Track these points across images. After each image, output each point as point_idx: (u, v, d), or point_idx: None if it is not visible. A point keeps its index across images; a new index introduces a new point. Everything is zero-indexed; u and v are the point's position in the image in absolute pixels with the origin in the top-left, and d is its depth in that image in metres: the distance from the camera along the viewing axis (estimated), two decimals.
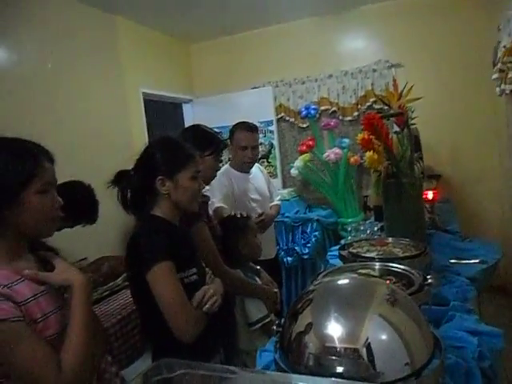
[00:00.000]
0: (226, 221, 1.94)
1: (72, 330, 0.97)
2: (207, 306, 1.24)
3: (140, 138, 3.62)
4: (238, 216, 2.01)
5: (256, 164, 2.76)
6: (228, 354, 1.54)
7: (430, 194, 2.56)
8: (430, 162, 3.69)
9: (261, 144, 4.39)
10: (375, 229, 2.49)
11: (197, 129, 1.89)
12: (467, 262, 1.98)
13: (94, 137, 3.22)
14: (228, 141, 2.53)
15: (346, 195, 3.83)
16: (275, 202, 2.80)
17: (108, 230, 3.15)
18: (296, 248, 3.64)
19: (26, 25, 2.75)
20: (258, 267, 1.99)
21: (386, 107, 2.32)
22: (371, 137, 2.18)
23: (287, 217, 3.69)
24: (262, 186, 2.69)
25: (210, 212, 1.97)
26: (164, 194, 1.33)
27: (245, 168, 2.56)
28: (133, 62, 3.74)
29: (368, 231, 2.44)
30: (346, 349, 0.84)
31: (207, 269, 1.43)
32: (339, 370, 0.80)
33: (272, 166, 4.40)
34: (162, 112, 4.94)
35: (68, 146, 2.98)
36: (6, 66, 2.64)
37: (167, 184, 1.33)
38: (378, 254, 1.67)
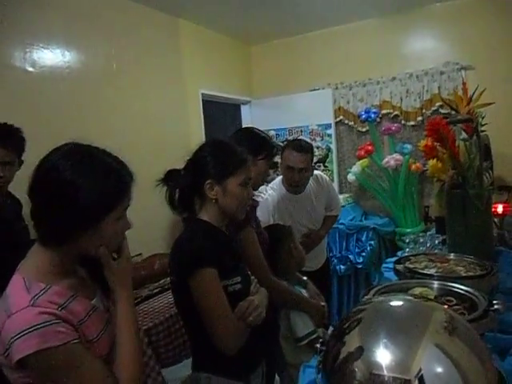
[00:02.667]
0: (269, 229, 1.87)
1: (122, 346, 0.96)
2: (251, 318, 1.19)
3: (198, 139, 3.65)
4: (280, 225, 1.94)
5: (316, 173, 2.58)
6: (271, 366, 1.49)
7: (499, 208, 2.35)
8: (502, 173, 3.41)
9: (318, 148, 4.31)
10: (436, 242, 2.33)
11: (250, 131, 1.83)
12: None
13: (154, 138, 3.30)
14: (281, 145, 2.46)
15: (406, 204, 3.64)
16: (332, 213, 2.64)
17: (162, 227, 3.23)
18: (350, 256, 3.51)
19: (93, 27, 2.89)
20: (305, 278, 1.91)
21: (453, 112, 2.17)
22: (435, 143, 2.04)
23: (342, 223, 3.58)
24: (316, 205, 2.50)
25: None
26: (212, 198, 1.30)
27: (291, 190, 2.39)
28: (193, 63, 3.81)
29: (428, 244, 2.29)
30: (395, 379, 0.77)
31: (253, 277, 1.39)
32: None
33: (329, 171, 4.29)
34: (220, 113, 5.00)
35: (128, 146, 3.08)
36: (75, 67, 2.78)
37: (215, 189, 1.30)
38: (437, 272, 1.54)
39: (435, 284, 1.36)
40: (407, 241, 2.41)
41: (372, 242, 3.50)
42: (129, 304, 0.99)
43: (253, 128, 1.86)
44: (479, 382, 0.76)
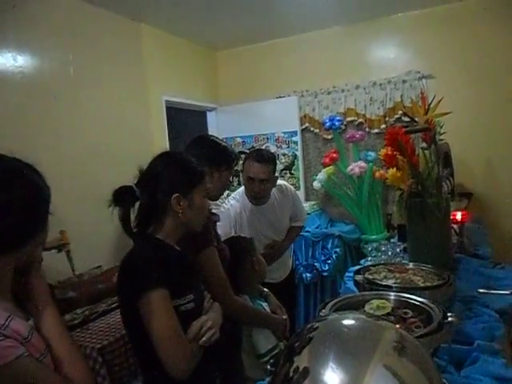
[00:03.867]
0: (230, 242, 1.82)
1: (66, 353, 0.94)
2: (204, 339, 1.14)
3: (161, 147, 3.58)
4: (241, 237, 1.90)
5: (281, 183, 2.54)
6: (228, 381, 1.43)
7: (458, 215, 2.39)
8: (462, 180, 3.49)
9: (284, 155, 4.31)
10: (398, 250, 2.34)
11: (209, 141, 1.77)
12: (497, 292, 1.80)
13: (114, 146, 3.20)
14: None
15: (371, 211, 3.67)
16: (297, 224, 2.60)
17: (122, 238, 3.11)
18: (316, 264, 3.50)
19: (49, 30, 2.77)
20: (266, 290, 1.87)
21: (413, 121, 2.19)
22: (395, 153, 2.05)
23: (307, 231, 3.56)
24: (279, 215, 2.47)
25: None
26: (178, 212, 1.24)
27: (253, 201, 2.36)
28: (156, 69, 3.73)
29: (390, 252, 2.29)
30: None
31: (205, 292, 1.33)
32: None
33: (295, 178, 4.28)
34: (185, 120, 4.93)
35: (87, 154, 2.99)
36: (28, 72, 2.65)
37: (182, 202, 1.25)
38: (395, 282, 1.53)
39: (392, 296, 1.34)
40: (370, 249, 2.41)
41: (337, 250, 3.50)
42: (56, 311, 0.98)
43: (210, 136, 1.81)
44: None
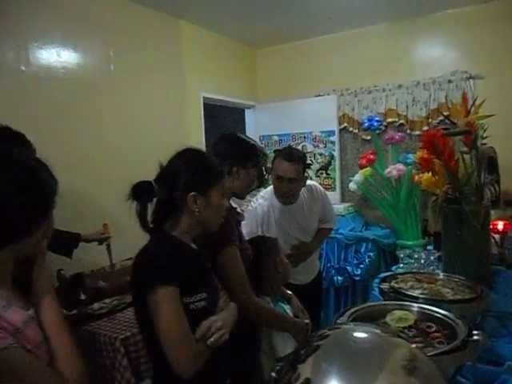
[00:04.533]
0: (254, 242, 1.78)
1: (61, 345, 0.96)
2: (212, 339, 1.12)
3: (197, 142, 3.61)
4: (265, 237, 1.87)
5: (310, 183, 2.48)
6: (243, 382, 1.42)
7: (500, 224, 2.24)
8: (509, 186, 3.28)
9: (321, 155, 4.23)
10: (432, 258, 2.22)
11: (237, 138, 1.73)
12: None
13: (151, 142, 3.25)
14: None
15: (408, 216, 3.53)
16: (325, 227, 2.52)
17: None
18: (348, 268, 3.42)
19: (90, 27, 2.85)
20: (290, 292, 1.83)
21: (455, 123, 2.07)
22: (431, 156, 1.95)
23: (341, 233, 3.48)
24: (308, 216, 2.40)
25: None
26: (194, 211, 1.23)
27: (282, 201, 2.30)
28: (195, 66, 3.76)
29: (423, 260, 2.19)
30: None
31: (223, 291, 1.32)
32: None
33: (331, 179, 4.20)
34: (223, 117, 4.95)
35: (124, 150, 3.06)
36: (71, 67, 2.75)
37: (199, 201, 1.24)
38: (422, 293, 1.46)
39: (415, 308, 1.28)
40: (402, 255, 2.31)
41: (371, 254, 3.40)
42: (56, 304, 0.99)
43: (239, 134, 1.78)
44: None
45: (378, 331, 0.93)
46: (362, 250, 3.43)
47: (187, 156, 1.29)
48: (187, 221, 1.25)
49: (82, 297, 2.16)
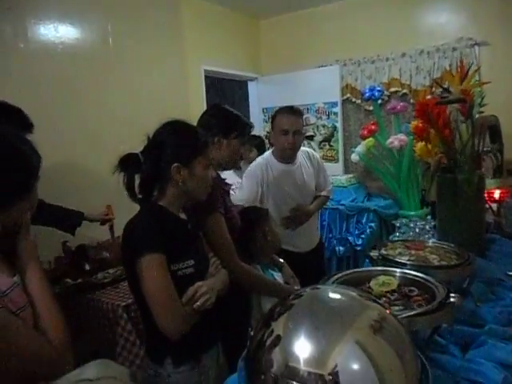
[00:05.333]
0: (245, 211, 1.84)
1: (46, 310, 0.99)
2: (198, 303, 1.17)
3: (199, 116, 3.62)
4: (256, 207, 1.91)
5: (306, 149, 2.59)
6: (234, 346, 1.48)
7: (496, 193, 2.24)
8: None
9: (324, 126, 4.21)
10: (427, 227, 2.24)
11: (222, 109, 1.77)
12: None
13: (153, 114, 3.23)
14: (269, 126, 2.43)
15: (409, 186, 3.52)
16: (322, 194, 2.57)
17: None
18: (349, 238, 3.46)
19: (89, 2, 2.84)
20: (282, 261, 1.88)
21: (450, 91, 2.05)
22: (426, 125, 1.95)
23: (342, 204, 3.51)
24: (306, 179, 2.47)
25: (233, 197, 1.87)
26: (178, 182, 1.27)
27: (285, 156, 2.37)
28: (196, 38, 3.73)
29: (417, 229, 2.21)
30: (310, 373, 0.74)
31: (214, 259, 1.37)
32: None
33: (334, 150, 4.20)
34: (226, 90, 4.93)
35: (125, 124, 3.08)
36: (69, 42, 2.76)
37: (182, 172, 1.27)
38: (409, 259, 1.49)
39: (400, 273, 1.31)
40: (398, 225, 2.34)
41: (372, 225, 3.43)
42: (41, 271, 1.02)
43: (222, 106, 1.80)
44: (396, 382, 0.74)
45: (353, 293, 0.97)
46: (364, 220, 3.47)
47: (172, 128, 1.32)
48: (173, 191, 1.29)
49: (87, 267, 2.24)
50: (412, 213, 3.47)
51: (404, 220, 2.41)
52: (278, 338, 0.79)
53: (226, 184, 1.72)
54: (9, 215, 0.96)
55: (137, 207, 1.30)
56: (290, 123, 2.27)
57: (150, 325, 1.20)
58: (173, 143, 1.28)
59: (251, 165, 2.44)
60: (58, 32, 2.66)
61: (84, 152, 2.78)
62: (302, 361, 0.74)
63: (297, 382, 0.73)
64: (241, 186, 2.42)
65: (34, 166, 0.98)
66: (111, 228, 2.49)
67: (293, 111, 2.31)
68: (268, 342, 0.80)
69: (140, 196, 1.29)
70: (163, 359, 1.25)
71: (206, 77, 3.92)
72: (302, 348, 0.75)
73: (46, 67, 2.61)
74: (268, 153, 2.48)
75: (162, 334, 1.17)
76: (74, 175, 2.73)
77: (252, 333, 0.91)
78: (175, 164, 1.26)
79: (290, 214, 2.35)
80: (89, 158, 2.82)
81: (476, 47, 3.44)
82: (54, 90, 2.64)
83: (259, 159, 2.45)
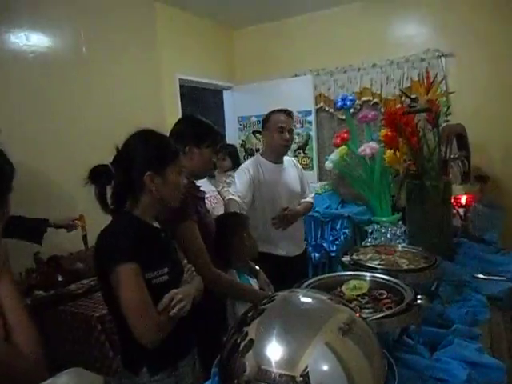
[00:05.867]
0: (220, 218, 1.86)
1: (19, 321, 0.98)
2: (174, 310, 1.18)
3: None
4: (235, 213, 1.93)
5: (290, 158, 2.72)
6: (210, 352, 1.49)
7: (463, 199, 2.33)
8: (480, 163, 3.38)
9: (298, 134, 4.27)
10: (398, 232, 2.31)
11: (194, 119, 1.81)
12: (491, 277, 1.77)
13: (127, 124, 3.20)
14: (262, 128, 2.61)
15: (382, 193, 3.61)
16: (307, 200, 2.67)
17: None
18: (324, 244, 3.52)
19: (60, 9, 2.81)
20: (257, 267, 1.91)
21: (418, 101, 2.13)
22: (394, 134, 2.01)
23: (317, 211, 3.56)
24: (293, 181, 2.58)
25: (208, 206, 1.90)
26: (151, 190, 1.27)
27: (280, 152, 2.51)
28: (170, 47, 3.74)
29: (388, 235, 2.27)
30: (281, 375, 0.76)
31: (189, 265, 1.38)
32: None
33: (308, 158, 4.26)
34: (202, 99, 4.95)
35: (98, 134, 3.04)
36: (41, 51, 2.72)
37: (156, 180, 1.28)
38: (379, 264, 1.53)
39: (368, 277, 1.35)
40: (370, 230, 2.40)
41: (346, 231, 3.49)
42: (12, 283, 1.00)
43: (194, 116, 1.84)
44: (364, 382, 0.77)
45: (324, 297, 1.00)
46: (338, 226, 3.52)
47: (141, 137, 1.33)
48: (146, 200, 1.29)
49: (59, 278, 2.21)
50: (384, 219, 3.55)
51: (376, 226, 2.47)
52: (251, 342, 0.81)
53: (200, 191, 1.74)
54: None
55: (110, 218, 1.30)
56: (285, 121, 2.47)
57: (125, 334, 1.20)
58: (144, 152, 1.29)
59: (241, 166, 2.56)
60: (29, 40, 2.63)
61: (56, 163, 2.73)
62: (273, 364, 0.76)
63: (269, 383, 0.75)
64: (233, 182, 2.52)
65: (7, 176, 0.97)
66: (85, 238, 2.45)
67: (287, 112, 2.53)
68: (241, 347, 0.82)
69: (112, 207, 1.29)
70: (139, 368, 1.25)
71: (180, 86, 3.93)
72: (274, 351, 0.77)
73: (17, 76, 2.57)
74: (256, 155, 2.63)
75: (137, 342, 1.17)
76: (46, 187, 2.69)
77: (225, 338, 0.93)
78: (148, 173, 1.26)
79: (280, 214, 2.41)
80: (61, 169, 2.77)
81: (442, 58, 3.57)
82: (24, 100, 2.59)
83: (248, 161, 2.57)
